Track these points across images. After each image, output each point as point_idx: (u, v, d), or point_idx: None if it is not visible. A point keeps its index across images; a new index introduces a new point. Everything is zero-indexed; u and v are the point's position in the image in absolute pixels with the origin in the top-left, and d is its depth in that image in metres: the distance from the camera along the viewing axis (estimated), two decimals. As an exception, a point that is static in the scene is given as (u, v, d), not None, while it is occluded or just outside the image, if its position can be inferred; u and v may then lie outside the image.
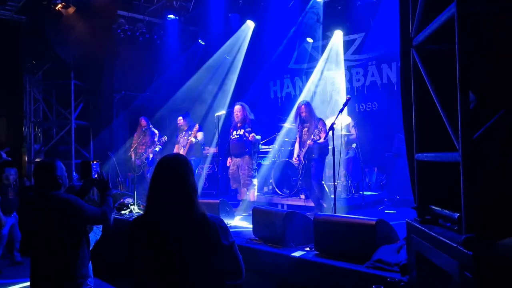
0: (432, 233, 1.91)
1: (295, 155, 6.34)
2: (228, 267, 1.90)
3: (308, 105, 6.19)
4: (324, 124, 5.90)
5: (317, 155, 5.92)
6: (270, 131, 7.95)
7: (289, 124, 7.67)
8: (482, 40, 1.67)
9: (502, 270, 1.53)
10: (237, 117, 6.59)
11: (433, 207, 2.12)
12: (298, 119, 6.22)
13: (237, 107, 6.63)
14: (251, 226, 4.54)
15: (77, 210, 2.70)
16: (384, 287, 2.57)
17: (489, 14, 1.71)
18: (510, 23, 1.68)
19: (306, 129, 6.13)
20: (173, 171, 1.91)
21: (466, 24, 1.64)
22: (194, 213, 1.87)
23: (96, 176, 3.06)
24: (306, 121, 6.11)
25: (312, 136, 5.76)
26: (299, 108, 6.17)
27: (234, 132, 6.59)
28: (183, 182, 1.89)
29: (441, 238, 1.80)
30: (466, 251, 1.56)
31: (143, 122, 7.92)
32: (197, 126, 7.25)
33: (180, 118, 7.58)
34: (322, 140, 5.76)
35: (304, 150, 6.01)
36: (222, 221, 1.92)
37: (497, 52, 1.69)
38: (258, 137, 6.55)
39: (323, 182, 5.95)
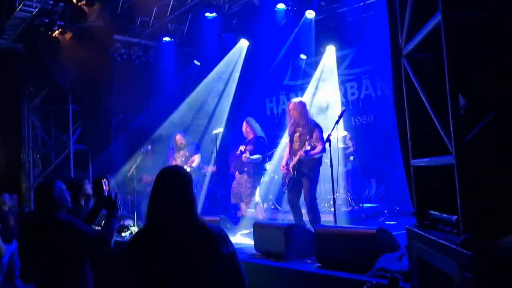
0: (431, 237, 1.92)
1: (283, 163, 5.35)
2: (230, 277, 1.90)
3: (299, 104, 5.18)
4: (321, 131, 5.01)
5: (309, 169, 4.99)
6: (267, 147, 7.97)
7: (286, 139, 7.69)
8: (469, 44, 1.72)
9: (502, 269, 1.54)
10: (244, 133, 6.61)
11: (432, 212, 2.14)
12: (288, 121, 5.32)
13: (243, 124, 6.60)
14: (252, 242, 4.53)
15: (72, 232, 2.65)
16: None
17: (475, 19, 1.77)
18: (496, 27, 1.73)
19: (297, 134, 5.18)
20: (172, 183, 1.94)
21: (452, 31, 1.69)
22: (194, 223, 1.89)
23: (106, 194, 3.02)
24: (297, 124, 5.19)
25: (306, 145, 4.85)
26: (288, 106, 5.28)
27: (240, 147, 6.60)
28: (181, 193, 1.91)
29: (440, 240, 1.82)
30: (465, 251, 1.57)
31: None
32: (194, 157, 6.87)
33: (179, 135, 7.07)
34: (316, 151, 4.89)
35: (295, 159, 5.02)
36: (222, 230, 1.93)
37: (485, 55, 1.74)
38: (254, 157, 6.15)
39: (317, 202, 5.14)
